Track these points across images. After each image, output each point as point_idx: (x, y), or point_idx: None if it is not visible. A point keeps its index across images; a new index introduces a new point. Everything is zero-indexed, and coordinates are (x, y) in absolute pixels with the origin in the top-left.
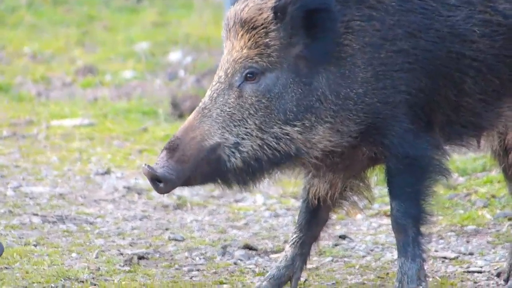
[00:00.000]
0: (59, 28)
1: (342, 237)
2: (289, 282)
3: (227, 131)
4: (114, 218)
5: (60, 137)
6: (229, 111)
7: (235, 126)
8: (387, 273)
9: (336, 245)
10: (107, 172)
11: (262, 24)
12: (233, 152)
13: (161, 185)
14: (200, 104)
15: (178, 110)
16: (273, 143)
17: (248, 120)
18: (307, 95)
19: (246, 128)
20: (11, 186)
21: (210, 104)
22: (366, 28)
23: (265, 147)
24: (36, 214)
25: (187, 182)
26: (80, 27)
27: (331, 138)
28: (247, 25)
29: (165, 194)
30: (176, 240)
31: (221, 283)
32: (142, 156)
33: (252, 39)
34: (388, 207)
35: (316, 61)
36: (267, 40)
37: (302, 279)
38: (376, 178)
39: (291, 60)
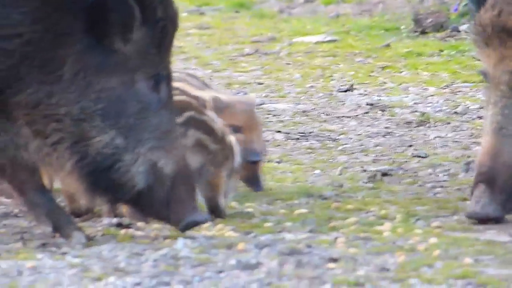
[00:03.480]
0: None
1: None
2: None
3: None
4: (357, 135)
5: (302, 54)
6: None
7: None
8: None
9: None
10: (350, 88)
11: None
12: None
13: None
14: (494, 124)
15: (420, 27)
16: None
17: None
18: None
19: None
20: None
21: (507, 123)
22: None
23: None
24: (279, 131)
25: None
26: None
27: None
28: None
29: (409, 112)
30: (419, 156)
31: (465, 199)
32: (385, 73)
33: None
34: None
35: None
36: None
37: None
38: None
39: None
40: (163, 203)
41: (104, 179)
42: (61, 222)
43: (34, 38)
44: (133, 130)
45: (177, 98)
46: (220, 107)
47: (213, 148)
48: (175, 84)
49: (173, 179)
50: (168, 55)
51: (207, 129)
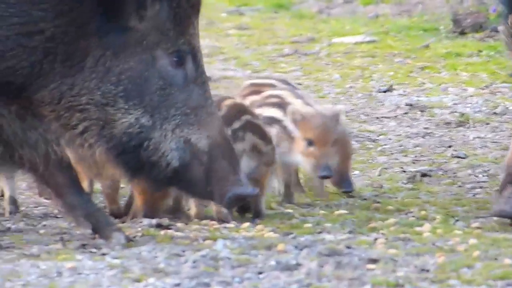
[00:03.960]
0: None
1: None
2: None
3: None
4: (396, 136)
5: (341, 54)
6: None
7: None
8: None
9: None
10: (389, 89)
11: None
12: None
13: None
14: None
15: (459, 27)
16: None
17: None
18: None
19: None
20: None
21: None
22: None
23: None
24: None
25: None
26: None
27: None
28: None
29: (448, 112)
30: (458, 157)
31: None
32: (424, 73)
33: None
34: None
35: None
36: None
37: None
38: None
39: None
40: (202, 179)
41: (135, 160)
42: (101, 223)
43: (57, 33)
44: (158, 108)
45: (233, 101)
46: (297, 120)
47: (265, 150)
48: (279, 92)
49: (210, 154)
50: (188, 30)
51: (261, 133)
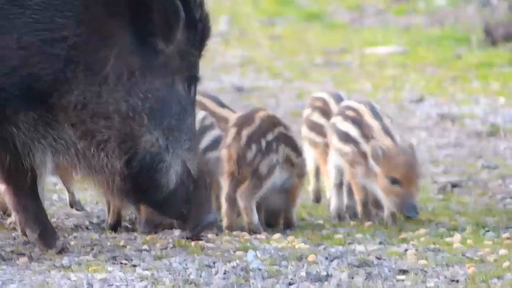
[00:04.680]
0: None
1: None
2: None
3: None
4: (427, 146)
5: (373, 64)
6: None
7: None
8: None
9: None
10: (421, 99)
11: None
12: None
13: None
14: None
15: (491, 38)
16: None
17: None
18: None
19: None
20: None
21: None
22: None
23: None
24: None
25: None
26: None
27: None
28: None
29: (479, 123)
30: (489, 167)
31: None
32: (455, 84)
33: None
34: None
35: None
36: None
37: None
38: None
39: None
40: (183, 202)
41: (147, 179)
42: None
43: (79, 42)
44: (174, 131)
45: (267, 113)
46: (379, 155)
47: (297, 161)
48: (357, 105)
49: (196, 180)
50: (201, 55)
51: (293, 144)
